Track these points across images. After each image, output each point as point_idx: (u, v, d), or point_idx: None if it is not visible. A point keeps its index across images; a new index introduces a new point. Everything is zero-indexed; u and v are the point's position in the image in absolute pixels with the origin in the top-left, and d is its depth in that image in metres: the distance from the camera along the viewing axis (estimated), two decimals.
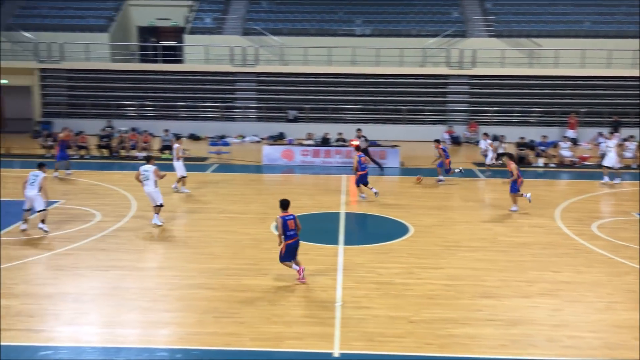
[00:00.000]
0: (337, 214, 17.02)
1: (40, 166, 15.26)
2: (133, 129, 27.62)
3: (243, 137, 31.12)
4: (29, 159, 24.07)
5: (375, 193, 18.50)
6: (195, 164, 24.44)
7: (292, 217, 11.74)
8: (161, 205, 15.55)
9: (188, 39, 33.81)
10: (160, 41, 36.91)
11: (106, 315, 10.29)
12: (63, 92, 32.90)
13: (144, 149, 25.27)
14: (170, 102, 32.65)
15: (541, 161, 24.98)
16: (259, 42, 33.06)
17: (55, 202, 17.65)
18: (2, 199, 17.73)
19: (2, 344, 9.14)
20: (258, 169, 24.10)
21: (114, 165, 23.98)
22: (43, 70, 32.39)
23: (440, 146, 21.42)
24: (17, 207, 16.72)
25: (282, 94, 32.62)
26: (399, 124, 31.62)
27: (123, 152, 25.49)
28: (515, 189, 17.35)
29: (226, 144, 27.23)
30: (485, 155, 23.58)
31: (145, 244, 14.17)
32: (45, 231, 14.62)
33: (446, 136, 30.44)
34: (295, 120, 31.84)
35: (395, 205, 18.20)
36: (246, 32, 33.87)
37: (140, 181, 15.55)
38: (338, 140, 26.00)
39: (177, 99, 32.72)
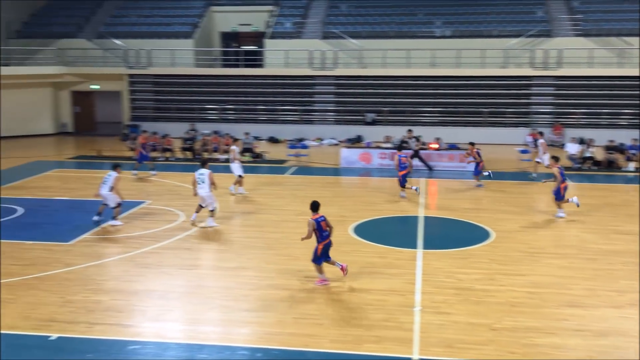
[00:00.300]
0: (415, 218, 16.84)
1: (115, 167, 16.11)
2: (215, 132, 28.31)
3: (321, 139, 31.34)
4: (118, 161, 25.15)
5: (416, 189, 19.04)
6: (274, 166, 24.86)
7: (323, 218, 11.83)
8: (214, 210, 15.80)
9: (268, 43, 34.39)
10: (241, 46, 37.74)
11: (189, 313, 10.60)
12: (150, 96, 34.21)
13: (226, 152, 25.85)
14: (250, 106, 33.31)
15: (632, 165, 23.80)
16: (337, 45, 33.22)
17: (142, 202, 18.35)
18: (92, 199, 18.56)
19: (94, 337, 9.59)
20: (336, 171, 24.19)
21: (197, 167, 24.61)
22: (131, 75, 33.77)
23: (475, 149, 21.16)
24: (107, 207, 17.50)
25: (360, 96, 32.63)
26: (479, 127, 30.94)
27: (205, 155, 26.16)
28: (558, 195, 16.67)
29: (304, 147, 27.50)
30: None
31: (227, 244, 14.50)
32: (115, 225, 15.58)
33: (529, 139, 29.50)
34: (373, 123, 31.76)
35: (475, 209, 17.84)
36: (325, 36, 34.10)
37: (195, 185, 15.73)
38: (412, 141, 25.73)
39: (257, 102, 33.35)
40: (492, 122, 31.20)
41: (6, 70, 31.75)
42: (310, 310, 10.61)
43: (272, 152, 27.72)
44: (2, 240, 14.42)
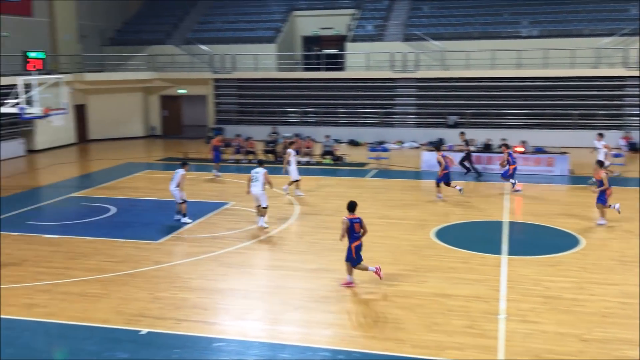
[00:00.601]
0: (499, 223, 16.40)
1: (183, 164, 16.94)
2: (296, 135, 28.67)
3: (402, 142, 31.10)
4: (203, 163, 25.94)
5: (460, 190, 19.15)
6: (354, 169, 24.88)
7: (358, 219, 11.78)
8: (265, 208, 16.06)
9: (350, 46, 34.49)
10: (322, 50, 38.04)
11: (272, 313, 10.77)
12: (233, 100, 35.05)
13: (307, 154, 26.16)
14: (331, 109, 33.51)
15: None
16: (419, 47, 32.90)
17: (226, 203, 18.82)
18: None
19: (181, 333, 9.92)
20: (417, 175, 23.94)
21: (279, 170, 25.02)
22: (216, 80, 34.72)
23: (508, 151, 20.49)
24: (194, 207, 18.08)
25: (442, 99, 32.16)
26: (568, 130, 29.80)
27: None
28: (602, 200, 15.83)
29: (385, 150, 27.36)
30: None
31: (308, 246, 14.64)
32: (181, 220, 16.51)
33: (622, 142, 28.15)
34: (456, 125, 31.20)
35: (564, 214, 17.18)
36: (407, 38, 33.84)
37: (249, 183, 16.10)
38: (500, 146, 25.08)
39: (337, 105, 33.51)
40: (582, 124, 29.96)
41: (101, 76, 33.41)
42: (391, 314, 10.54)
43: (353, 155, 27.77)
44: (97, 238, 15.16)
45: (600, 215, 16.11)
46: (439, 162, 19.22)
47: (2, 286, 12.07)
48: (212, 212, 17.69)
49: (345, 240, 11.86)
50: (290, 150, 20.29)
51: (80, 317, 10.57)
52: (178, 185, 16.51)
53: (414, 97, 32.76)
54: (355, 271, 12.46)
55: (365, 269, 11.92)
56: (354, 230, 11.77)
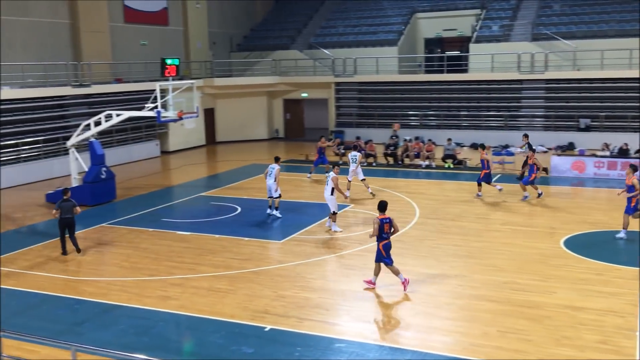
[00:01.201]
0: (637, 233, 15.29)
1: (277, 160, 18.06)
2: (417, 138, 28.37)
3: None
4: (322, 165, 26.30)
5: (500, 189, 19.68)
6: (477, 173, 24.17)
7: (388, 220, 11.76)
8: (277, 197, 17.57)
9: (473, 47, 33.65)
10: (445, 51, 37.41)
11: (392, 317, 10.74)
12: (354, 103, 35.32)
13: (428, 158, 25.82)
14: (453, 112, 32.86)
15: None
16: (549, 47, 31.46)
17: (346, 205, 18.98)
18: (300, 201, 19.63)
19: (303, 331, 10.12)
20: (544, 180, 22.83)
21: (399, 173, 24.92)
22: (338, 83, 35.14)
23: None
24: (314, 208, 18.44)
25: (573, 101, 30.53)
26: None
27: (407, 161, 26.37)
28: (630, 209, 14.40)
29: (510, 154, 26.39)
30: None
31: (429, 250, 14.44)
32: (273, 214, 17.59)
33: None
34: (588, 129, 29.51)
35: None
36: (535, 38, 32.48)
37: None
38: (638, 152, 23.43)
39: (460, 108, 32.80)
40: None
41: (228, 81, 34.90)
42: (517, 324, 10.16)
43: (475, 158, 27.02)
44: (224, 236, 15.84)
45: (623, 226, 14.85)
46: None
47: (139, 278, 12.93)
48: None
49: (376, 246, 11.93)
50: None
51: (208, 310, 11.08)
52: (275, 179, 17.50)
53: (541, 99, 31.36)
54: (477, 275, 12.16)
55: (397, 273, 11.85)
56: (383, 231, 11.71)
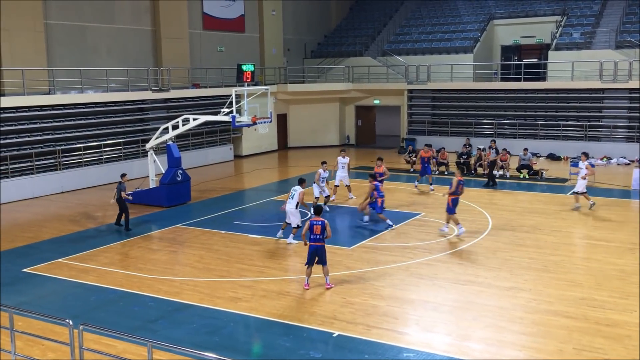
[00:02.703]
0: None
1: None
2: (490, 147, 27.76)
3: (609, 158, 28.73)
4: (395, 173, 26.20)
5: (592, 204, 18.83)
6: (553, 185, 23.50)
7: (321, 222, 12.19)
8: (298, 227, 15.68)
9: (553, 55, 32.70)
10: (522, 59, 36.50)
11: (462, 328, 10.52)
12: (427, 110, 34.96)
13: (502, 167, 25.23)
14: (529, 121, 31.99)
15: None
16: (633, 55, 30.16)
17: (417, 214, 18.80)
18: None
19: (371, 339, 10.08)
20: (625, 194, 21.91)
21: (471, 182, 24.44)
22: (411, 90, 34.89)
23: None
24: (393, 215, 18.34)
25: None
26: None
27: (480, 170, 25.84)
28: None
29: (590, 166, 25.45)
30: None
31: (502, 262, 14.08)
32: (289, 242, 15.82)
33: None
34: None
35: None
36: (619, 45, 31.22)
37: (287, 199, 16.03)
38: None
39: (536, 117, 31.90)
40: None
41: (302, 87, 35.29)
42: (594, 342, 9.76)
43: (552, 169, 26.25)
44: (293, 241, 15.97)
45: None
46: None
47: (211, 279, 13.23)
48: (403, 222, 17.78)
49: None
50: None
51: (277, 314, 11.21)
52: (297, 205, 15.78)
53: (625, 110, 30.09)
54: (552, 290, 11.79)
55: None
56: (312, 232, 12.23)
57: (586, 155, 23.64)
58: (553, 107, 31.62)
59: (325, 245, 12.48)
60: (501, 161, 25.40)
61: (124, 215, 17.55)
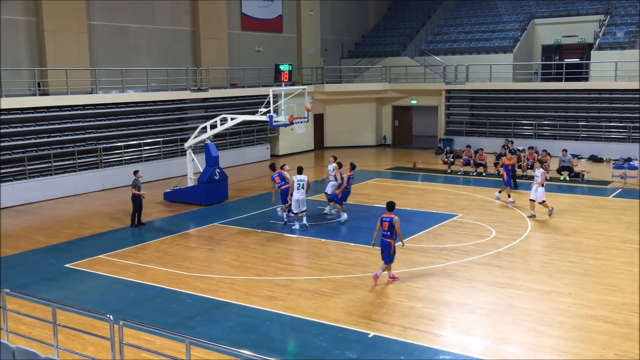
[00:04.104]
0: None
1: (301, 170, 17.61)
2: (530, 148, 27.30)
3: None
4: (431, 173, 26.03)
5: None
6: (594, 187, 23.02)
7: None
8: (304, 211, 17.13)
9: (595, 55, 32.02)
10: (564, 59, 35.83)
11: (500, 332, 10.38)
12: (465, 111, 34.58)
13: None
14: (570, 122, 31.37)
15: None
16: None
17: (454, 215, 18.63)
18: (406, 209, 19.47)
19: (407, 341, 10.02)
20: None
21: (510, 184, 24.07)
22: (448, 91, 34.56)
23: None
24: (421, 217, 18.27)
25: None
26: None
27: (519, 172, 25.43)
28: None
29: (633, 168, 24.83)
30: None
31: (541, 265, 13.86)
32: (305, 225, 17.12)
33: None
34: None
35: None
36: None
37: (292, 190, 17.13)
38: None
39: (578, 118, 31.27)
40: None
41: (338, 87, 35.30)
42: (636, 348, 9.53)
43: (593, 171, 25.71)
44: (330, 240, 16.01)
45: None
46: None
47: (247, 277, 13.34)
48: (440, 223, 17.64)
49: None
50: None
51: (313, 313, 11.23)
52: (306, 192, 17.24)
53: None
54: (593, 294, 11.56)
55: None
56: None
57: (566, 151, 23.18)
58: (595, 107, 30.96)
59: (393, 242, 12.61)
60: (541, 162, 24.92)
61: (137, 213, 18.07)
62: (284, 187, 17.91)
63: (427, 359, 9.45)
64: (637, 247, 15.07)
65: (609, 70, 30.36)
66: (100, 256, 15.08)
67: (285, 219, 17.99)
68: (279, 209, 18.86)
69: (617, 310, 11.08)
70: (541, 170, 18.56)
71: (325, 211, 19.09)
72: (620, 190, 22.27)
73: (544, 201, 18.29)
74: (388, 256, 12.64)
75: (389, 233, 12.56)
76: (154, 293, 12.51)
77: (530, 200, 18.46)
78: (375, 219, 18.43)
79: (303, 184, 17.22)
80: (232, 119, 21.25)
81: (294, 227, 17.30)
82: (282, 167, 18.61)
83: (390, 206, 12.82)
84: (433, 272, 13.47)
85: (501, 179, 21.41)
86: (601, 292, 12.03)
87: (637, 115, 29.81)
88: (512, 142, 25.15)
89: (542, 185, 18.31)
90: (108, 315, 8.12)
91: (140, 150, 25.85)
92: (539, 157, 25.05)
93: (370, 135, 36.63)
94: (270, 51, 34.59)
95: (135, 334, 10.07)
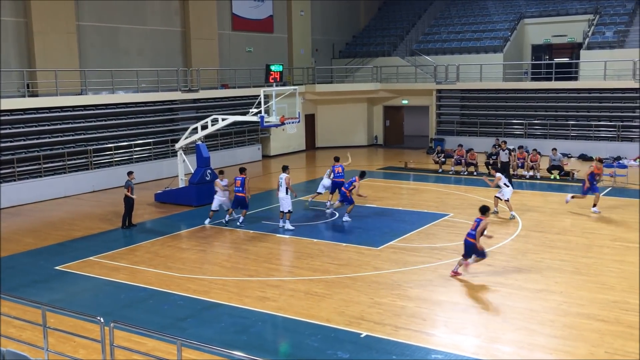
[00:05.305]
0: None
1: (285, 168, 17.46)
2: (520, 147, 27.42)
3: None
4: (422, 173, 26.07)
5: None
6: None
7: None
8: (289, 212, 17.00)
9: (585, 54, 32.18)
10: (553, 58, 35.98)
11: (491, 331, 10.41)
12: (456, 111, 34.67)
13: (532, 168, 24.91)
14: (560, 121, 31.53)
15: None
16: None
17: (446, 214, 18.66)
18: (398, 208, 19.50)
19: (399, 340, 10.03)
20: None
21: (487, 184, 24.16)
22: (439, 90, 34.62)
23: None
24: (412, 216, 18.29)
25: None
26: None
27: (510, 171, 25.49)
28: None
29: (622, 167, 24.99)
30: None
31: (532, 264, 13.90)
32: (286, 229, 17.02)
33: None
34: None
35: None
36: None
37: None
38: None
39: (568, 117, 31.42)
40: None
41: (330, 87, 35.30)
42: (627, 346, 9.58)
43: (583, 170, 25.76)
44: (322, 241, 16.01)
45: None
46: None
47: (239, 278, 13.31)
48: (432, 223, 17.67)
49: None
50: (286, 175, 17.43)
51: (305, 314, 11.22)
52: (287, 191, 17.04)
53: None
54: (584, 293, 11.62)
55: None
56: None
57: (556, 150, 23.15)
58: (585, 107, 31.13)
59: (475, 242, 12.82)
60: (531, 162, 25.07)
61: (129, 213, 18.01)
62: (239, 194, 17.66)
63: (419, 358, 9.46)
64: (627, 245, 15.15)
65: (599, 70, 30.54)
66: (91, 258, 15.01)
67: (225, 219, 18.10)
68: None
69: (607, 308, 11.13)
70: (497, 174, 18.62)
71: (328, 205, 19.08)
72: (610, 188, 22.39)
73: (507, 200, 18.30)
74: (467, 253, 12.99)
75: (474, 232, 12.82)
76: (145, 295, 12.46)
77: (505, 201, 18.45)
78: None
79: (281, 182, 17.24)
80: (223, 119, 21.21)
81: (283, 226, 17.33)
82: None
83: (481, 210, 13.01)
84: (425, 271, 13.49)
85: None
86: (592, 290, 12.09)
87: (627, 114, 30.01)
88: (504, 142, 25.24)
89: (508, 185, 18.40)
90: (98, 318, 8.08)
91: (131, 151, 25.75)
92: (530, 157, 25.19)
93: (361, 136, 36.66)
94: (261, 51, 34.55)
95: (127, 336, 10.02)
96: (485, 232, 12.94)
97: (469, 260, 13.00)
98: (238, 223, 17.77)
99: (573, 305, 11.33)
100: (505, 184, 18.40)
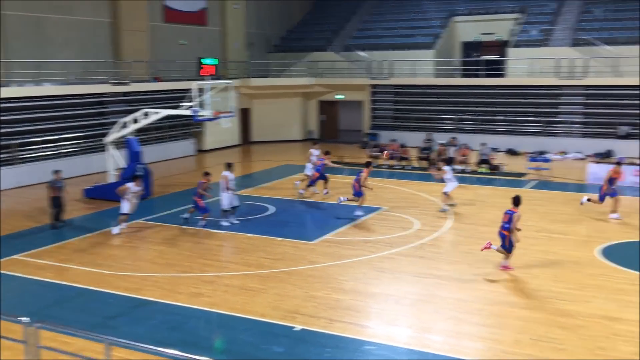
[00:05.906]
0: None
1: (229, 166, 17.40)
2: (450, 143, 28.10)
3: (565, 153, 29.39)
4: (356, 167, 26.29)
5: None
6: (511, 179, 23.93)
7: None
8: (229, 210, 17.04)
9: (512, 52, 33.25)
10: (482, 56, 37.03)
11: (423, 321, 10.67)
12: (389, 106, 35.18)
13: (462, 162, 25.58)
14: (489, 116, 32.50)
15: None
16: (589, 52, 30.88)
17: (379, 208, 18.94)
18: (333, 202, 19.65)
19: (333, 333, 10.13)
20: (580, 188, 22.42)
21: (432, 177, 24.71)
22: (373, 86, 35.04)
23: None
24: (347, 210, 18.48)
25: (612, 107, 29.93)
26: None
27: (441, 165, 26.10)
28: None
29: (546, 160, 26.03)
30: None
31: (462, 256, 14.31)
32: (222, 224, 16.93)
33: None
34: (628, 137, 28.91)
35: None
36: (575, 43, 31.92)
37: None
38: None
39: (496, 112, 32.43)
40: None
41: (265, 82, 35.14)
42: (550, 332, 10.01)
43: (510, 164, 26.74)
44: (257, 235, 15.96)
45: None
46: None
47: (172, 275, 13.11)
48: (366, 217, 17.89)
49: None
50: (227, 174, 17.39)
51: (239, 309, 11.17)
52: (226, 189, 16.90)
53: (580, 105, 30.84)
54: (511, 283, 12.03)
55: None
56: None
57: (485, 144, 23.86)
58: (512, 103, 32.18)
59: (508, 234, 12.99)
60: (461, 156, 25.75)
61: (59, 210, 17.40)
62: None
63: (352, 350, 9.59)
64: (551, 236, 15.81)
65: (525, 67, 31.63)
66: (15, 256, 14.43)
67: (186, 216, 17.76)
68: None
69: (532, 297, 11.60)
70: (445, 167, 19.29)
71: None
72: (536, 182, 23.26)
73: (446, 192, 18.79)
74: (504, 246, 13.08)
75: (507, 225, 12.90)
76: (73, 293, 12.10)
77: (443, 192, 18.92)
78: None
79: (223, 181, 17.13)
80: (155, 113, 20.78)
81: (223, 223, 17.11)
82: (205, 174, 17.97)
83: (514, 201, 13.23)
84: (359, 264, 13.67)
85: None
86: (519, 280, 12.55)
87: (552, 110, 31.23)
88: (454, 138, 25.89)
89: (442, 180, 19.01)
90: (22, 318, 7.78)
91: (59, 145, 24.87)
92: (460, 152, 25.85)
93: (296, 130, 36.69)
94: (195, 45, 34.00)
95: (53, 336, 9.69)
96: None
97: (493, 246, 13.23)
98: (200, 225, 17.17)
99: (499, 295, 11.74)
100: (450, 178, 18.82)
